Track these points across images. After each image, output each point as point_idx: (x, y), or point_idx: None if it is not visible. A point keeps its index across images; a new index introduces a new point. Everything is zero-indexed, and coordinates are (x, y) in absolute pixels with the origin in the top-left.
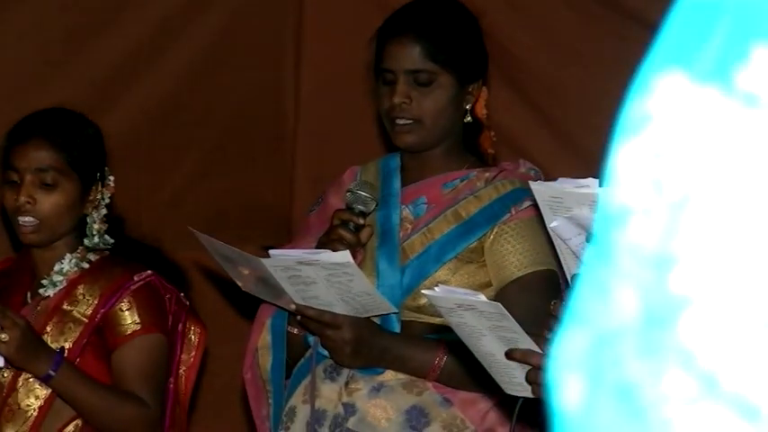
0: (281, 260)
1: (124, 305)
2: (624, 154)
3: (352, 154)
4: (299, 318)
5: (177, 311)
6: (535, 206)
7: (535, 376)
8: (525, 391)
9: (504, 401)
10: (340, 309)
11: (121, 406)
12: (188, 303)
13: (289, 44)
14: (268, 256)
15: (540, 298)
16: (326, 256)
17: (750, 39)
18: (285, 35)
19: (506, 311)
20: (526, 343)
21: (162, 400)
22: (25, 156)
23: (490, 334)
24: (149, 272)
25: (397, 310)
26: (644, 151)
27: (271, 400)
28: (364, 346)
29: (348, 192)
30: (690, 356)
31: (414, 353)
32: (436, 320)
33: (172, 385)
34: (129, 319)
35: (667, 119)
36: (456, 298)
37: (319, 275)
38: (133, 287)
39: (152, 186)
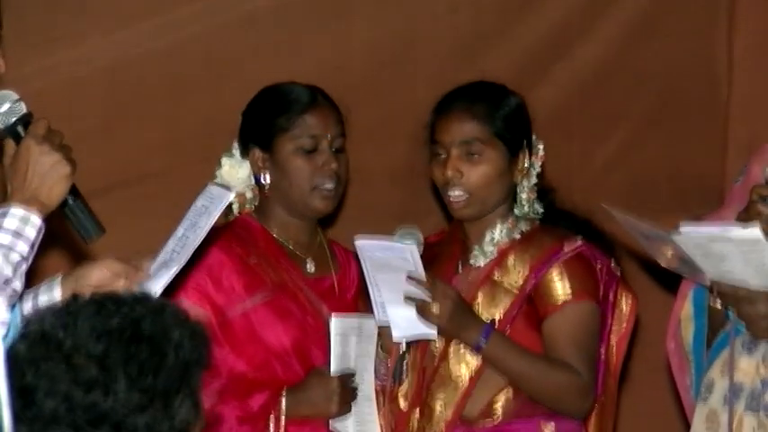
0: (692, 237)
1: (555, 275)
2: None
3: None
4: (714, 291)
5: (608, 281)
6: None
7: None
8: None
9: None
10: (755, 282)
11: (553, 374)
12: (619, 273)
13: (721, 9)
14: (679, 233)
15: None
16: (736, 232)
17: None
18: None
19: None
20: None
21: (594, 368)
22: (449, 129)
23: None
24: (580, 242)
25: None
26: None
27: (693, 371)
28: None
29: (767, 167)
30: None
31: None
32: None
33: (603, 354)
34: (561, 288)
35: None
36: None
37: (732, 251)
38: (564, 257)
39: (583, 156)
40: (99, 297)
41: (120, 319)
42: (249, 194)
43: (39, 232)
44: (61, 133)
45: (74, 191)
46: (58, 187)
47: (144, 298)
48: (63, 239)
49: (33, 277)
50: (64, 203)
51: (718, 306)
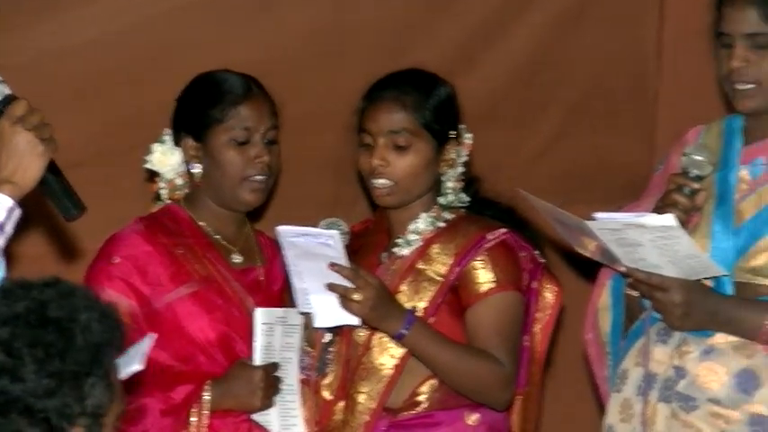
0: (606, 223)
1: (479, 263)
2: None
3: (714, 111)
4: (629, 279)
5: (532, 269)
6: None
7: None
8: None
9: None
10: (669, 271)
11: (476, 364)
12: (542, 261)
13: None
14: (594, 219)
15: None
16: (651, 219)
17: None
18: None
19: None
20: None
21: (517, 358)
22: (378, 118)
23: None
24: (504, 230)
25: (726, 273)
26: None
27: (610, 362)
28: (694, 308)
29: (684, 155)
30: None
31: (744, 315)
32: None
33: (527, 343)
34: (484, 277)
35: None
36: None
37: (645, 238)
38: (488, 245)
39: (511, 145)
40: (8, 284)
41: (26, 304)
42: (179, 181)
43: (8, 213)
44: (41, 113)
45: (53, 169)
46: (32, 167)
47: (54, 282)
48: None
49: (16, 261)
50: (43, 182)
51: (635, 294)
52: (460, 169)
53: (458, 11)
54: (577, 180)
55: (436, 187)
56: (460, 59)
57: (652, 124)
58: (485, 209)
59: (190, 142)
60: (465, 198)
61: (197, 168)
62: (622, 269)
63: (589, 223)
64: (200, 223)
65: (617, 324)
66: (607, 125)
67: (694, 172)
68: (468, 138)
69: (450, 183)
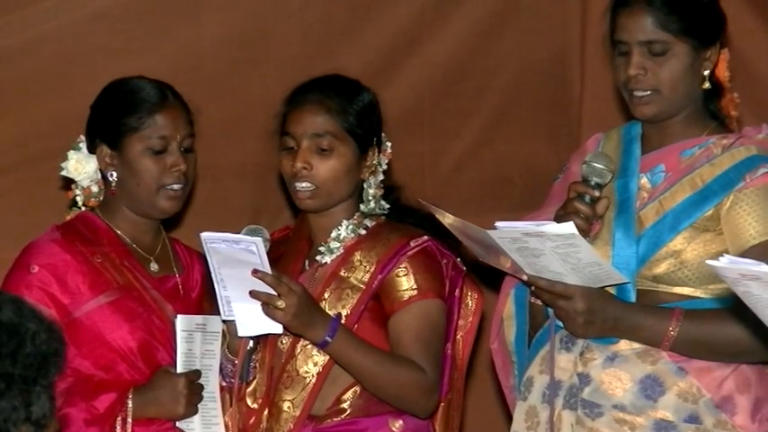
0: (507, 232)
1: (401, 271)
2: None
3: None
4: (532, 288)
5: (454, 277)
6: None
7: None
8: None
9: None
10: (572, 279)
11: (398, 371)
12: (465, 268)
13: (574, 6)
14: (495, 228)
15: None
16: (550, 227)
17: None
18: None
19: None
20: None
21: (439, 366)
22: (301, 121)
23: None
24: (426, 237)
25: (629, 280)
26: None
27: (516, 370)
28: (597, 316)
29: (584, 164)
30: None
31: (647, 321)
32: (673, 289)
33: (449, 350)
34: (407, 284)
35: None
36: (739, 268)
37: (546, 246)
38: (410, 252)
39: (435, 153)
40: None
41: None
42: (95, 189)
43: None
44: None
45: None
46: None
47: (1, 291)
48: None
49: None
50: None
51: (539, 303)
52: (381, 177)
53: (380, 18)
54: (501, 187)
55: (357, 194)
56: (383, 67)
57: (575, 130)
58: (406, 216)
59: (105, 150)
60: (386, 205)
61: (113, 176)
62: (524, 277)
63: (490, 232)
64: (117, 231)
65: (521, 333)
66: (530, 132)
67: (595, 180)
68: (388, 146)
69: (372, 189)
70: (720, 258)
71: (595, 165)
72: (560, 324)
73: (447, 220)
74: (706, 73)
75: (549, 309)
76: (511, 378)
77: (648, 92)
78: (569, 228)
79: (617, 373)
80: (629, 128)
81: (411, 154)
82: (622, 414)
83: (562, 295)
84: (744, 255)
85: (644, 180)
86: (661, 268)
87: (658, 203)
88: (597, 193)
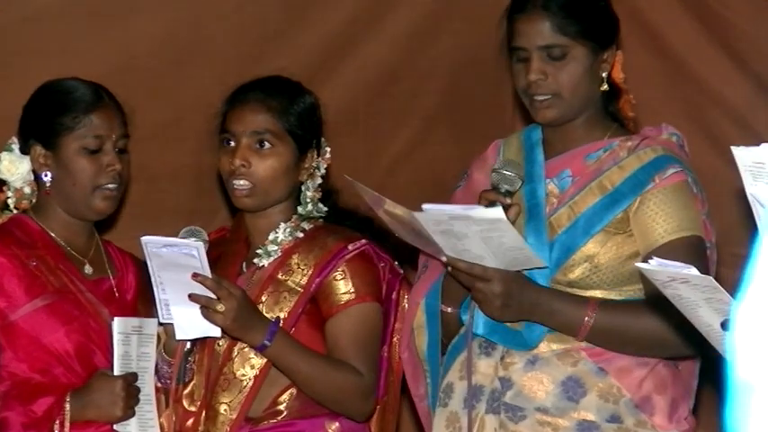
0: (434, 214)
1: (338, 274)
2: None
3: None
4: (449, 269)
5: (391, 280)
6: (679, 173)
7: None
8: None
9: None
10: (491, 262)
11: (335, 374)
12: (402, 272)
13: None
14: (422, 210)
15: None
16: (479, 211)
17: None
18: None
19: (718, 284)
20: None
21: (376, 369)
22: (242, 119)
23: (705, 305)
24: (363, 241)
25: (547, 265)
26: None
27: (429, 380)
28: (514, 299)
29: (493, 171)
30: None
31: (564, 307)
32: (587, 292)
33: (386, 354)
34: (344, 288)
35: None
36: (669, 271)
37: (472, 230)
38: (348, 256)
39: (370, 154)
40: None
41: None
42: (27, 190)
43: None
44: None
45: None
46: None
47: None
48: None
49: None
50: None
51: (449, 311)
52: (319, 181)
53: (315, 20)
54: (437, 189)
55: (294, 197)
56: (318, 68)
57: (510, 132)
58: (344, 219)
59: (39, 150)
60: (323, 208)
61: (47, 176)
62: (443, 259)
63: (416, 214)
64: (51, 234)
65: (434, 341)
66: (466, 133)
67: (505, 188)
68: (327, 150)
69: (310, 192)
70: (650, 261)
71: (505, 172)
72: (478, 332)
73: (368, 196)
74: (604, 75)
75: (464, 315)
76: (421, 387)
77: (549, 96)
78: (498, 212)
79: (538, 375)
80: (528, 133)
81: (346, 155)
82: (545, 416)
83: (480, 277)
84: (652, 254)
85: (551, 186)
86: (575, 273)
87: (569, 208)
88: (508, 201)
